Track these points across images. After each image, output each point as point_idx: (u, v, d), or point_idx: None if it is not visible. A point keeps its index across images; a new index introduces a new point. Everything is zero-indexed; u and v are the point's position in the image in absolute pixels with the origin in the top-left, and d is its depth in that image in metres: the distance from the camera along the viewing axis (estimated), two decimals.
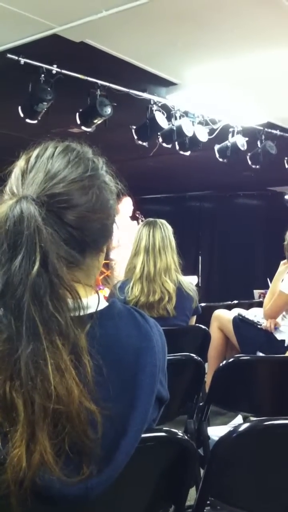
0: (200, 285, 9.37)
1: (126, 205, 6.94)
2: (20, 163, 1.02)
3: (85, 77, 4.44)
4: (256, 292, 6.45)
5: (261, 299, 5.48)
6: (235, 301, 4.67)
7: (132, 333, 1.02)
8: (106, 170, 1.08)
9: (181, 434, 1.11)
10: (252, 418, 2.39)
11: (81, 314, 0.94)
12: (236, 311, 4.00)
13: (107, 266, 8.06)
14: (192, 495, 1.22)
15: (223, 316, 3.95)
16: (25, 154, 1.04)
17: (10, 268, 0.88)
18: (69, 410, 0.86)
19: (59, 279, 0.90)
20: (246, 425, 1.18)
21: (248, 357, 2.39)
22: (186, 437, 1.12)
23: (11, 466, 0.83)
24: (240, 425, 1.18)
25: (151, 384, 1.01)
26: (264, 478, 1.22)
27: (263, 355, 3.27)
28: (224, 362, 2.07)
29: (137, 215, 7.11)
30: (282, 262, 3.77)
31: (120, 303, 1.05)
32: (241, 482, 1.23)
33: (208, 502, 1.23)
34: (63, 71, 4.33)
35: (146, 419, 1.01)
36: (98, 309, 0.99)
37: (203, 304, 4.25)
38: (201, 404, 2.19)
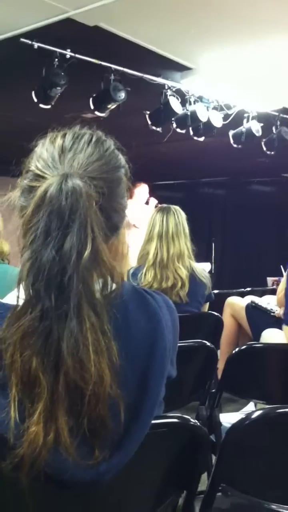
0: (213, 272, 9.35)
1: (142, 191, 6.92)
2: (55, 142, 1.01)
3: (99, 62, 4.40)
4: (270, 280, 6.42)
5: (274, 287, 5.46)
6: (248, 288, 4.66)
7: (140, 315, 1.02)
8: (125, 161, 1.09)
9: (194, 421, 1.11)
10: (264, 406, 2.39)
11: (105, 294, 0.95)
12: (249, 298, 3.99)
13: None
14: (203, 480, 1.23)
15: (236, 303, 3.94)
16: (48, 136, 1.04)
17: (63, 246, 0.87)
18: (98, 393, 0.87)
19: (104, 260, 0.91)
20: (259, 412, 1.17)
21: (261, 345, 2.39)
22: (198, 423, 1.12)
23: (27, 442, 0.84)
24: (252, 412, 1.17)
25: (162, 368, 1.01)
26: (276, 465, 1.22)
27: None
28: (237, 349, 2.07)
29: (152, 201, 7.08)
30: None
31: (129, 283, 1.04)
32: (253, 469, 1.23)
33: (220, 488, 1.24)
34: (76, 55, 4.29)
35: (157, 403, 1.01)
36: (108, 290, 0.99)
37: (216, 291, 4.24)
38: (213, 390, 2.20)
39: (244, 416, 1.15)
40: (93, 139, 1.03)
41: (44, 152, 1.00)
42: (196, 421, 1.11)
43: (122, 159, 1.07)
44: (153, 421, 1.00)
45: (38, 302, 0.87)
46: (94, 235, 0.90)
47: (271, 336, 3.15)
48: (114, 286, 0.96)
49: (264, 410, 1.18)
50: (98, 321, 0.89)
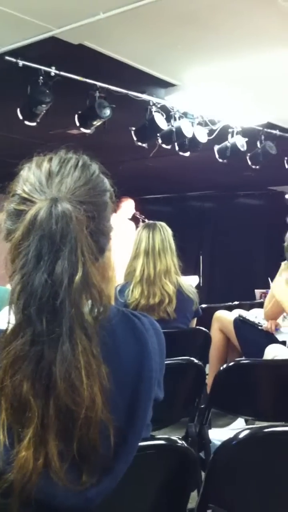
0: (201, 285, 9.36)
1: (127, 206, 6.93)
2: (41, 166, 1.01)
3: (84, 79, 4.44)
4: (258, 292, 6.43)
5: (262, 300, 5.46)
6: (236, 302, 4.66)
7: (128, 338, 1.02)
8: (110, 185, 1.09)
9: (181, 442, 1.10)
10: (254, 422, 2.39)
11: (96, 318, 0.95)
12: (237, 312, 3.99)
13: None
14: (193, 498, 1.22)
15: (224, 317, 3.94)
16: (34, 160, 1.04)
17: (54, 270, 0.87)
18: (90, 417, 0.86)
19: (94, 283, 0.91)
20: (246, 432, 1.17)
21: (249, 361, 2.39)
22: (185, 444, 1.11)
23: (17, 467, 0.83)
24: (240, 432, 1.17)
25: (149, 390, 1.01)
26: (265, 485, 1.22)
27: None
28: (225, 365, 2.06)
29: (138, 216, 7.09)
30: (283, 263, 3.76)
31: (114, 306, 1.05)
32: (241, 489, 1.22)
33: (208, 508, 1.23)
34: (61, 73, 4.32)
35: (144, 426, 1.00)
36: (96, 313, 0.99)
37: (204, 306, 4.24)
38: (202, 406, 2.19)
39: (231, 437, 1.15)
40: (80, 164, 1.03)
41: (31, 176, 1.00)
42: (184, 442, 1.11)
43: (107, 183, 1.08)
44: (141, 444, 1.00)
45: (29, 326, 0.87)
46: (84, 259, 0.90)
47: (273, 352, 3.15)
48: (101, 308, 0.96)
49: (252, 429, 1.18)
50: (90, 344, 0.89)
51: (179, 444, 1.09)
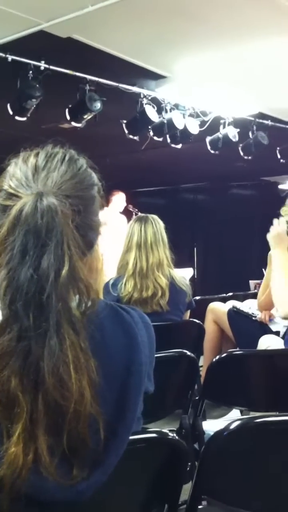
0: (196, 277, 9.38)
1: (118, 200, 6.93)
2: (28, 161, 1.01)
3: (74, 73, 4.42)
4: (252, 283, 6.44)
5: (256, 290, 5.47)
6: (230, 293, 4.67)
7: (116, 332, 1.02)
8: (98, 179, 1.09)
9: (172, 435, 1.11)
10: (252, 413, 2.40)
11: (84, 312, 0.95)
12: (231, 303, 4.00)
13: None
14: (187, 490, 1.23)
15: (218, 309, 3.95)
16: (20, 155, 1.04)
17: (40, 264, 0.87)
18: (79, 411, 0.87)
19: (81, 277, 0.91)
20: (237, 422, 1.18)
21: (241, 352, 2.40)
22: (176, 437, 1.12)
23: (7, 463, 0.84)
24: (231, 423, 1.18)
25: (139, 383, 1.02)
26: (256, 475, 1.23)
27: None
28: (217, 357, 2.07)
29: (131, 209, 7.09)
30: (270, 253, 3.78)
31: (102, 300, 1.05)
32: (233, 480, 1.23)
33: (201, 499, 1.24)
34: (51, 67, 4.30)
35: (134, 419, 1.01)
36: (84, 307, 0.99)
37: (198, 297, 4.25)
38: (196, 398, 2.20)
39: (222, 428, 1.16)
40: (66, 158, 1.03)
41: (18, 171, 1.00)
42: (175, 434, 1.11)
43: (95, 177, 1.07)
44: (132, 437, 1.00)
45: (15, 322, 0.87)
46: (71, 253, 0.90)
47: (268, 343, 3.17)
48: (89, 303, 0.96)
49: (243, 420, 1.18)
50: (77, 338, 0.89)
51: (170, 437, 1.09)
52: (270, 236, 2.96)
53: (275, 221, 2.97)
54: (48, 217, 0.90)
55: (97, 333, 0.96)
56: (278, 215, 3.73)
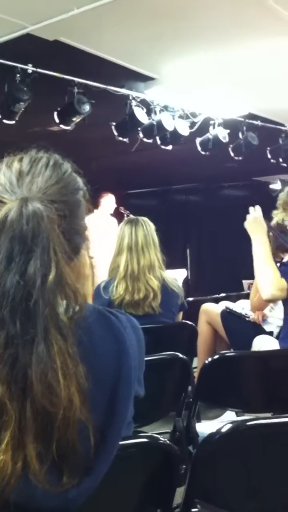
0: (189, 278, 9.38)
1: (108, 202, 6.91)
2: (11, 166, 1.00)
3: (62, 75, 4.40)
4: (245, 283, 6.45)
5: (249, 290, 5.48)
6: (223, 294, 4.67)
7: (105, 337, 1.01)
8: (83, 183, 1.08)
9: (163, 439, 1.10)
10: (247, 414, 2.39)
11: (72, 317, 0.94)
12: (224, 304, 4.00)
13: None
14: (181, 494, 1.22)
15: (211, 310, 3.94)
16: (4, 161, 1.03)
17: (26, 270, 0.86)
18: (68, 417, 0.85)
19: (68, 282, 0.90)
20: (229, 426, 1.17)
21: (234, 353, 2.39)
22: (168, 441, 1.11)
23: None
24: (223, 426, 1.17)
25: (129, 388, 1.01)
26: (249, 478, 1.22)
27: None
28: (210, 359, 2.06)
29: (122, 211, 7.08)
30: None
31: (90, 305, 1.04)
32: (226, 483, 1.22)
33: (194, 503, 1.23)
34: (38, 70, 4.29)
35: (124, 425, 1.00)
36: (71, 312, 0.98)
37: (191, 299, 4.25)
38: (190, 400, 2.19)
39: (214, 431, 1.15)
40: (51, 163, 1.02)
41: (1, 177, 0.99)
42: (166, 439, 1.10)
43: (80, 181, 1.06)
44: (123, 442, 0.99)
45: (2, 329, 0.85)
46: (57, 258, 0.89)
47: (262, 344, 3.16)
48: (77, 308, 0.95)
49: (234, 423, 1.17)
50: (65, 344, 0.88)
51: (161, 441, 1.08)
52: (247, 223, 2.97)
53: (250, 208, 2.98)
54: (34, 222, 0.89)
55: (85, 338, 0.95)
56: (270, 218, 3.73)
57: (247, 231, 2.94)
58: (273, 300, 2.86)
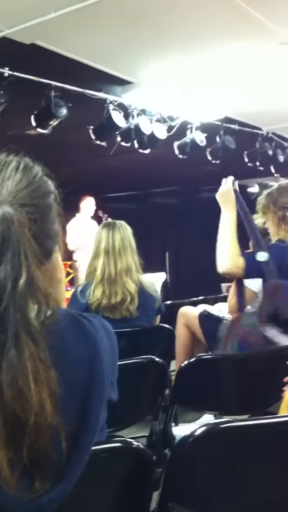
0: (168, 281, 9.39)
1: (88, 205, 6.91)
2: None
3: (38, 79, 4.38)
4: (224, 286, 6.47)
5: (227, 293, 5.50)
6: (201, 297, 4.68)
7: (77, 341, 1.01)
8: (54, 187, 1.08)
9: (136, 443, 1.09)
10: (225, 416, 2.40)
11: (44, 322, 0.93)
12: (201, 307, 4.01)
13: (71, 267, 8.02)
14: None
15: (189, 313, 3.95)
16: None
17: None
18: (40, 423, 0.85)
19: (40, 287, 0.90)
20: (203, 428, 1.17)
21: (210, 356, 2.40)
22: (141, 445, 1.10)
23: None
24: (197, 428, 1.17)
25: (101, 392, 1.00)
26: (224, 481, 1.22)
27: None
28: (186, 361, 2.06)
29: (101, 215, 7.07)
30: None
31: (63, 309, 1.03)
32: (202, 486, 1.22)
33: (169, 506, 1.22)
34: (15, 73, 4.26)
35: (97, 429, 0.99)
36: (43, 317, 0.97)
37: (169, 302, 4.25)
38: (167, 404, 2.19)
39: (187, 434, 1.15)
40: (21, 166, 1.01)
41: None
42: (140, 443, 1.10)
43: (51, 185, 1.06)
44: (95, 447, 0.99)
45: None
46: (28, 263, 0.88)
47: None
48: (49, 312, 0.95)
49: (208, 426, 1.17)
50: (37, 349, 0.87)
51: (134, 446, 1.08)
52: (217, 195, 2.98)
53: (223, 180, 3.00)
54: (4, 226, 0.88)
55: (57, 342, 0.94)
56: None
57: (218, 201, 2.95)
58: (228, 275, 2.86)
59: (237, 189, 2.87)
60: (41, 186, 1.02)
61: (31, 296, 0.89)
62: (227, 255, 2.66)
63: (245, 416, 2.11)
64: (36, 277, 0.90)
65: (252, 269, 2.65)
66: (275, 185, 3.04)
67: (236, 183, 2.89)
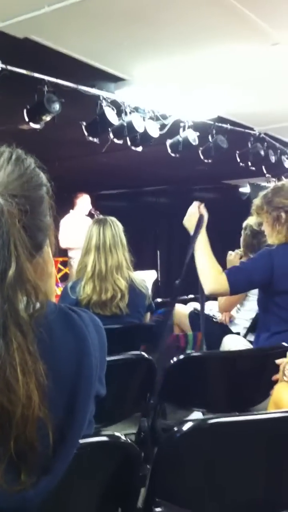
0: (159, 279, 9.39)
1: (83, 202, 6.89)
2: None
3: (32, 73, 4.35)
4: None
5: None
6: (191, 296, 4.68)
7: (66, 334, 1.00)
8: (47, 179, 1.07)
9: (124, 438, 1.09)
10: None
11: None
12: (191, 306, 4.01)
13: (63, 263, 8.00)
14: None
15: (179, 311, 3.95)
16: None
17: None
18: (27, 415, 0.84)
19: (29, 279, 0.89)
20: (190, 424, 1.17)
21: (199, 353, 2.40)
22: (129, 440, 1.10)
23: None
24: (184, 424, 1.17)
25: (89, 386, 1.00)
26: (211, 476, 1.22)
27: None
28: (175, 359, 2.06)
29: (93, 212, 7.06)
30: (229, 253, 3.82)
31: (52, 302, 1.02)
32: (188, 482, 1.22)
33: (155, 502, 1.22)
34: (8, 67, 4.23)
35: (84, 424, 0.99)
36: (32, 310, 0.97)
37: (159, 300, 4.25)
38: (155, 401, 2.18)
39: (175, 429, 1.14)
40: (13, 157, 1.01)
41: None
42: (127, 438, 1.10)
43: (43, 177, 1.05)
44: (82, 440, 0.98)
45: None
46: (18, 253, 0.88)
47: (231, 342, 3.18)
48: (38, 305, 0.94)
49: (195, 421, 1.17)
50: (25, 341, 0.87)
51: (121, 440, 1.08)
52: (184, 221, 2.99)
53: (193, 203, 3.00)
54: None
55: (46, 335, 0.94)
56: (240, 221, 3.77)
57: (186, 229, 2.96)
58: (215, 294, 2.88)
59: (204, 214, 2.88)
60: (33, 178, 1.01)
61: (20, 288, 0.88)
62: (209, 276, 2.68)
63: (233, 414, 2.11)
64: (26, 268, 0.89)
65: (237, 284, 2.66)
66: (270, 186, 3.05)
67: (202, 206, 2.91)
